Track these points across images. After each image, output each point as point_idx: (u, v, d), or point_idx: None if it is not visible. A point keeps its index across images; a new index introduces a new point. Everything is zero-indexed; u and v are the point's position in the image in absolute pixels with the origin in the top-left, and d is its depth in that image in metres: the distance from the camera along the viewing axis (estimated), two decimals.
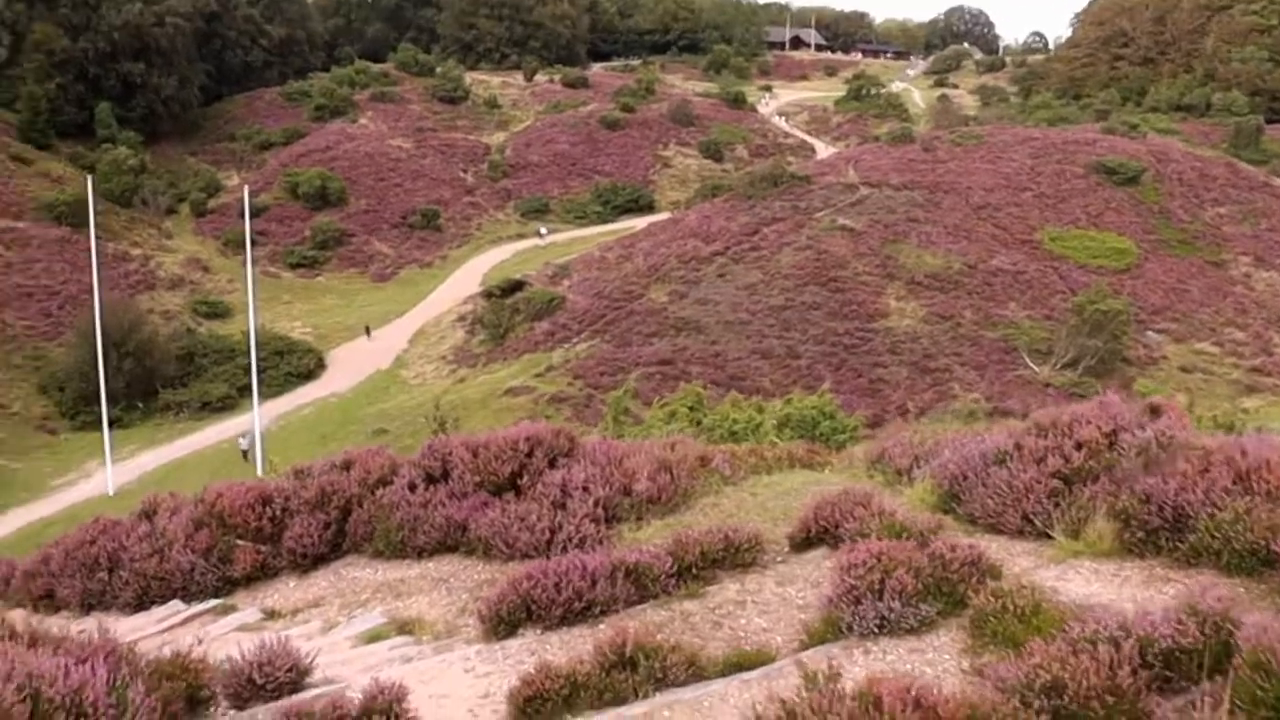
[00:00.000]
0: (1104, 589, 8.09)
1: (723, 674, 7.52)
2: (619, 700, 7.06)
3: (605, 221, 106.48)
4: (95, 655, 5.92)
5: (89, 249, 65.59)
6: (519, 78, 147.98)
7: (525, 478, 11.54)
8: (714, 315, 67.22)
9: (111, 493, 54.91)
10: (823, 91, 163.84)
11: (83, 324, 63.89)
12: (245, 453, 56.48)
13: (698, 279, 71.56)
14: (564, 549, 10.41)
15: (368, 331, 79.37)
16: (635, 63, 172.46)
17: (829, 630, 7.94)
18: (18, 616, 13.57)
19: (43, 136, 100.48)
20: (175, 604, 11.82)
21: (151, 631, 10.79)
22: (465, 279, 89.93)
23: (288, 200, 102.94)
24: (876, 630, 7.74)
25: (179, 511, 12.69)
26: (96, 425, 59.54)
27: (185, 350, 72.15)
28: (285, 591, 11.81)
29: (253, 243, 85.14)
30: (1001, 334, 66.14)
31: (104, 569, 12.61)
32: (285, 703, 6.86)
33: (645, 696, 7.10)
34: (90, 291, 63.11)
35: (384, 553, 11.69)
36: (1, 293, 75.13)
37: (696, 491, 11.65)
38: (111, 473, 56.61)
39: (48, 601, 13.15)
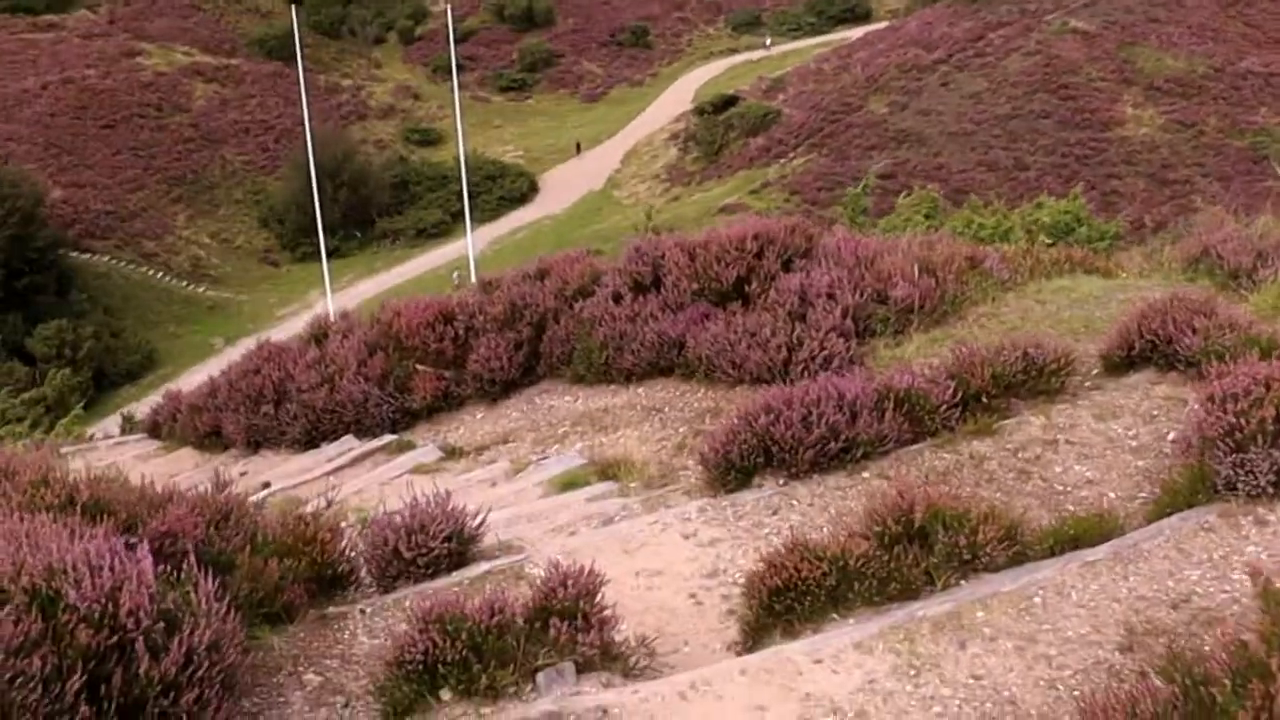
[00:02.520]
0: None
1: (1051, 552, 5.23)
2: (909, 592, 4.88)
3: (820, 33, 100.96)
4: (155, 536, 4.08)
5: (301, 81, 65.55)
6: None
7: (754, 283, 9.30)
8: (936, 126, 64.26)
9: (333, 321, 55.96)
10: None
11: (297, 157, 64.30)
12: (457, 287, 56.28)
13: (919, 89, 68.22)
14: (805, 370, 8.23)
15: (578, 148, 78.39)
16: None
17: (1195, 487, 5.51)
18: (185, 455, 12.40)
19: None
20: (348, 440, 10.23)
21: (318, 473, 9.25)
22: (677, 96, 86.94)
23: (494, 23, 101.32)
24: (1273, 490, 5.29)
25: (351, 334, 11.01)
26: (316, 256, 60.29)
27: (399, 178, 72.44)
28: (471, 424, 10.07)
29: (460, 67, 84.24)
30: (1250, 142, 61.46)
31: (270, 401, 11.11)
32: (437, 584, 4.96)
33: (947, 587, 4.87)
34: (303, 124, 63.22)
35: (585, 377, 9.75)
36: (219, 129, 76.39)
37: (967, 298, 9.20)
38: (332, 302, 57.45)
39: (214, 438, 11.83)
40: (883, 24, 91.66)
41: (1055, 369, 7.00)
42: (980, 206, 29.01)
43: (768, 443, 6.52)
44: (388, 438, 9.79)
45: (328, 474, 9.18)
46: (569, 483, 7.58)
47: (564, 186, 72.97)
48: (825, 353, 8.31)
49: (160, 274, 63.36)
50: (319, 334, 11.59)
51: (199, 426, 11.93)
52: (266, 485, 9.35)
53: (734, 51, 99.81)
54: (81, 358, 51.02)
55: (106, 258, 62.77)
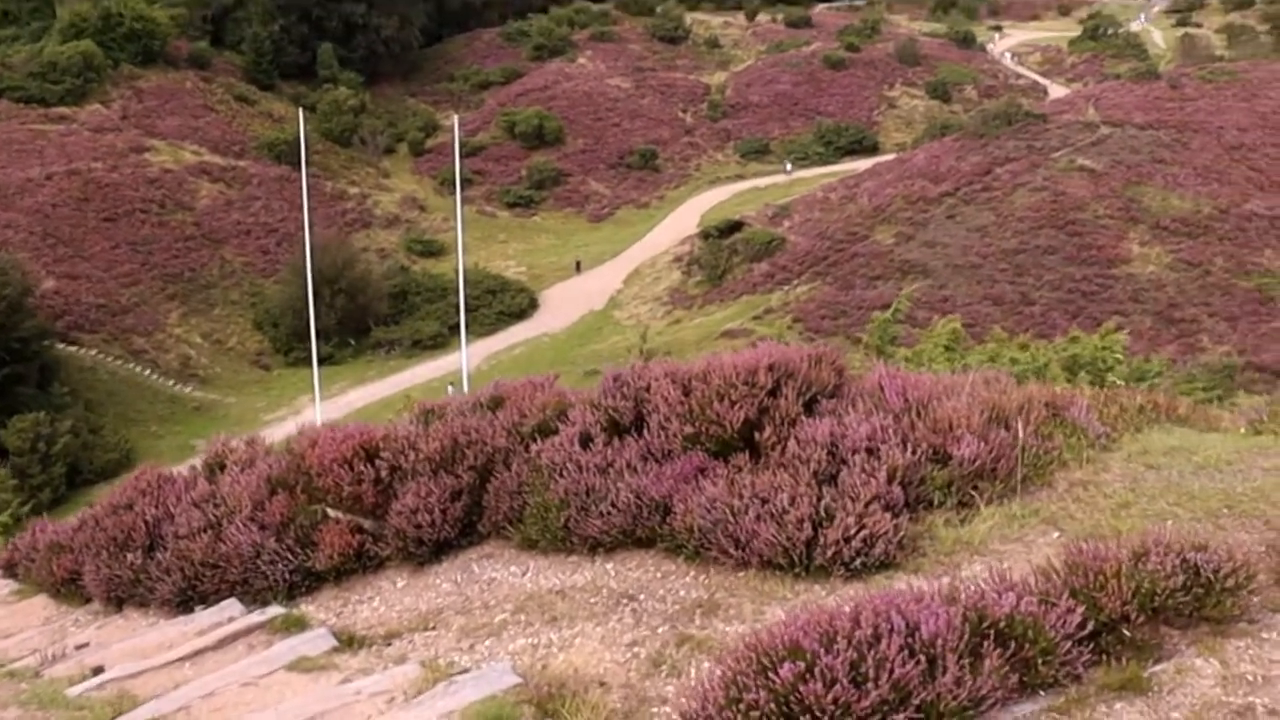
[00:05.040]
0: None
1: None
2: None
3: (827, 163, 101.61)
4: None
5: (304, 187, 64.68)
6: (740, 17, 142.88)
7: (768, 430, 6.97)
8: (942, 258, 63.78)
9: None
10: (1056, 31, 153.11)
11: (296, 261, 63.07)
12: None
13: (925, 220, 67.87)
14: (837, 557, 5.92)
15: (578, 267, 77.75)
16: (860, 2, 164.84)
17: None
18: (36, 606, 10.01)
19: (266, 77, 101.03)
20: (229, 606, 7.84)
21: (170, 658, 6.84)
22: (682, 219, 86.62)
23: (505, 139, 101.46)
24: None
25: (254, 466, 8.68)
26: (309, 361, 59.07)
27: (398, 288, 71.43)
28: (388, 595, 7.68)
29: (469, 182, 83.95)
30: (1256, 283, 60.86)
31: (139, 547, 8.71)
32: None
33: None
34: (304, 229, 62.17)
35: (538, 542, 7.36)
36: (221, 229, 75.35)
37: (1052, 459, 6.88)
38: (321, 410, 56.12)
39: (72, 587, 9.42)
40: (890, 156, 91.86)
41: (1232, 584, 4.65)
42: (1005, 339, 26.82)
43: (793, 708, 4.12)
44: (273, 611, 7.38)
45: (181, 660, 6.79)
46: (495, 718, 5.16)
47: (565, 304, 72.07)
48: (865, 532, 5.98)
49: (148, 371, 61.88)
50: (216, 463, 9.27)
51: (56, 571, 9.54)
52: (99, 670, 6.98)
53: (741, 178, 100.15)
54: (56, 452, 49.71)
55: (94, 351, 61.35)
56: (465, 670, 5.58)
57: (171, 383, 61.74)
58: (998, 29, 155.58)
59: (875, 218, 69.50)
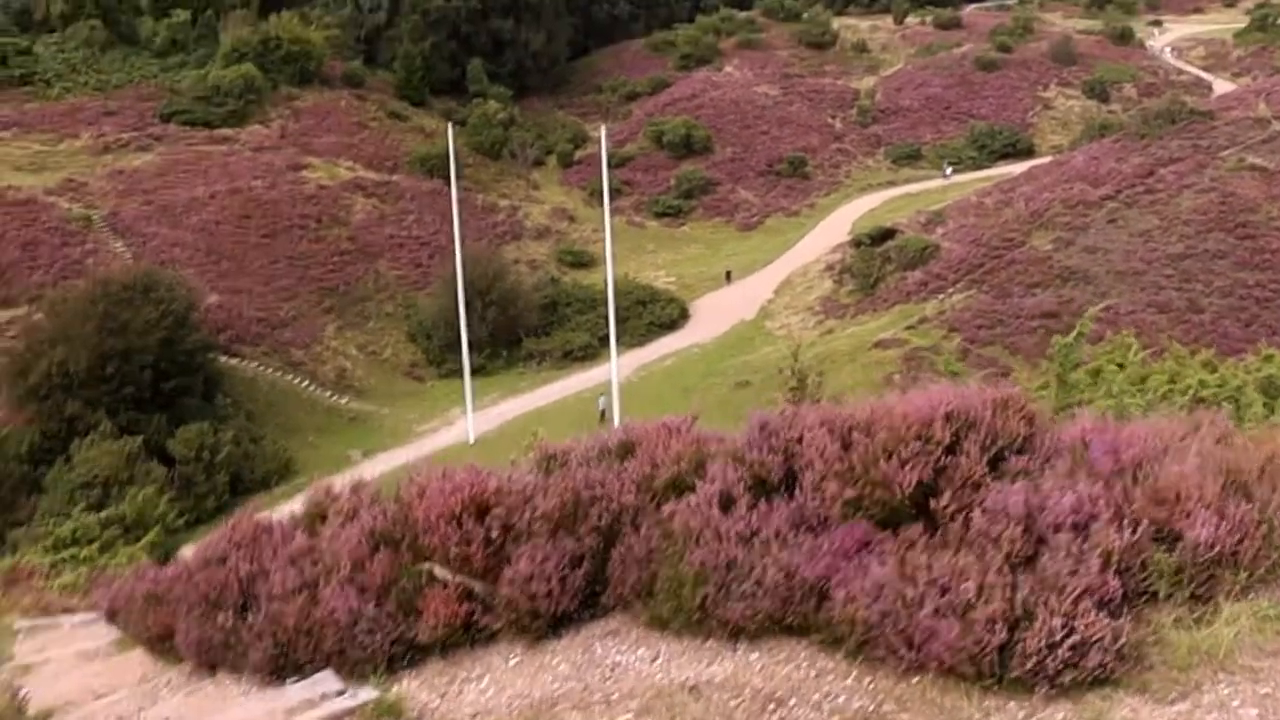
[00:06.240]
0: None
1: None
2: None
3: (980, 167, 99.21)
4: None
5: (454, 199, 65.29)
6: (888, 21, 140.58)
7: (946, 495, 5.74)
8: (1103, 264, 61.14)
9: (472, 440, 55.15)
10: (1220, 24, 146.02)
11: (448, 273, 63.74)
12: (603, 413, 54.55)
13: (1085, 225, 65.27)
14: (1039, 669, 4.69)
15: (728, 277, 77.04)
16: (1011, 1, 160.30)
17: None
18: (133, 663, 9.34)
19: (418, 94, 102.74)
20: (323, 679, 6.95)
21: None
22: (833, 227, 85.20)
23: (653, 150, 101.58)
24: None
25: (357, 518, 7.80)
26: (461, 373, 59.76)
27: (548, 299, 71.79)
28: (498, 673, 6.69)
29: (618, 192, 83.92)
30: None
31: (230, 606, 7.92)
32: None
33: None
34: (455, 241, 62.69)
35: (670, 622, 6.27)
36: (376, 244, 76.68)
37: None
38: (472, 421, 56.80)
39: (168, 644, 8.69)
40: (1046, 159, 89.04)
41: None
42: (1184, 356, 24.60)
43: None
44: (365, 695, 6.44)
45: None
46: None
47: (715, 315, 71.30)
48: (1075, 637, 4.74)
49: (305, 383, 63.29)
50: (316, 513, 8.43)
51: (151, 626, 8.85)
52: None
53: (892, 184, 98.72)
54: (220, 462, 51.05)
55: (254, 364, 62.95)
56: None
57: (328, 394, 63.00)
58: (1157, 24, 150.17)
59: (1032, 223, 67.36)
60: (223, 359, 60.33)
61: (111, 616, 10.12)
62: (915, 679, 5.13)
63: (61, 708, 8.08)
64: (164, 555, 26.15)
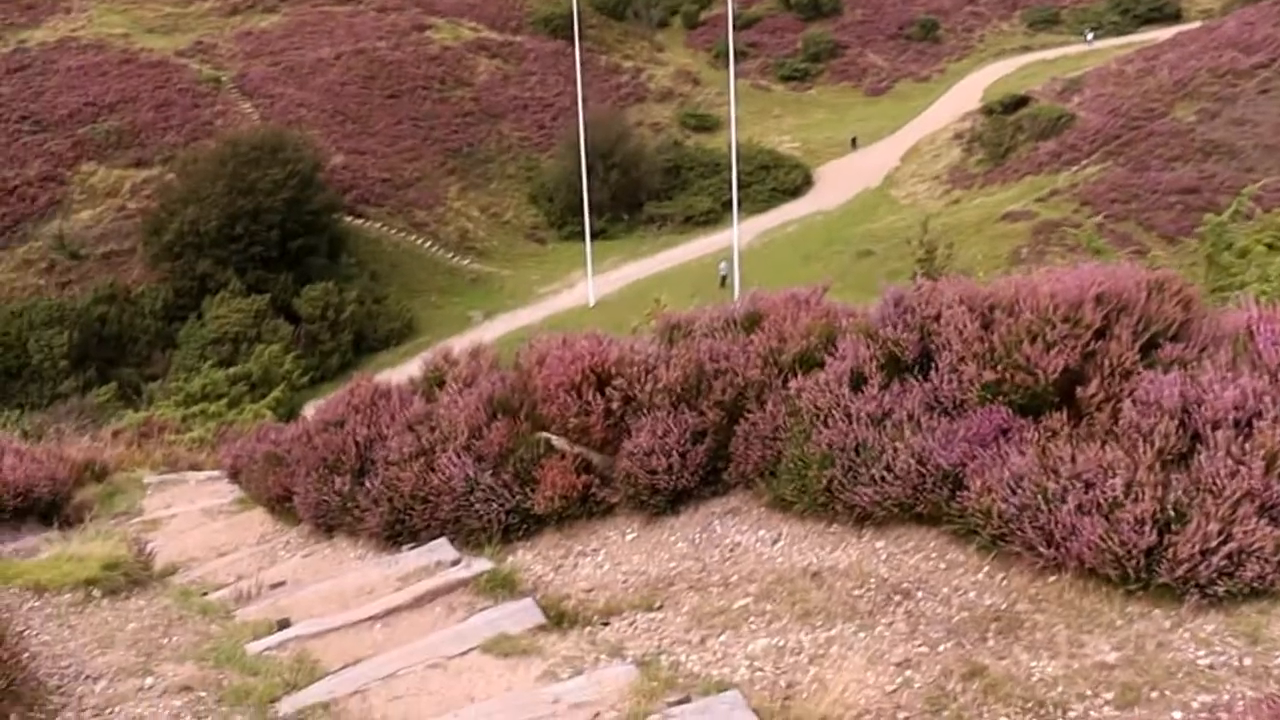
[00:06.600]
0: None
1: None
2: None
3: (1123, 33, 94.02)
4: None
5: (577, 61, 64.40)
6: None
7: (1094, 383, 5.36)
8: (1251, 138, 57.60)
9: (592, 303, 55.30)
10: None
11: (571, 136, 63.26)
12: (724, 278, 54.17)
13: (1233, 96, 61.69)
14: (1190, 575, 4.37)
15: (854, 143, 75.36)
16: None
17: None
18: (254, 521, 9.50)
19: None
20: (439, 548, 6.93)
21: (359, 617, 5.99)
22: (964, 94, 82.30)
23: (779, 11, 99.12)
24: None
25: (474, 385, 7.69)
26: (582, 236, 59.69)
27: (672, 163, 71.16)
28: (614, 548, 6.59)
29: (743, 55, 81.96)
30: None
31: (347, 471, 7.93)
32: None
33: None
34: (578, 103, 62.02)
35: (793, 504, 6.07)
36: (499, 105, 76.41)
37: None
38: (592, 284, 56.81)
39: (287, 505, 8.80)
40: (1195, 24, 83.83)
41: None
42: None
43: None
44: (480, 565, 6.38)
45: (373, 619, 5.92)
46: None
47: (840, 181, 69.84)
48: (1232, 545, 4.40)
49: (428, 244, 63.98)
50: (435, 378, 8.35)
51: (271, 486, 8.95)
52: (284, 624, 6.23)
53: (1028, 49, 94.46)
54: (344, 320, 52.50)
55: (378, 224, 63.82)
56: (685, 700, 4.40)
57: (451, 255, 63.65)
58: None
59: (1176, 93, 64.02)
60: (348, 219, 61.28)
61: (234, 475, 10.32)
62: (1052, 578, 4.84)
63: (185, 563, 8.30)
64: (288, 412, 27.03)
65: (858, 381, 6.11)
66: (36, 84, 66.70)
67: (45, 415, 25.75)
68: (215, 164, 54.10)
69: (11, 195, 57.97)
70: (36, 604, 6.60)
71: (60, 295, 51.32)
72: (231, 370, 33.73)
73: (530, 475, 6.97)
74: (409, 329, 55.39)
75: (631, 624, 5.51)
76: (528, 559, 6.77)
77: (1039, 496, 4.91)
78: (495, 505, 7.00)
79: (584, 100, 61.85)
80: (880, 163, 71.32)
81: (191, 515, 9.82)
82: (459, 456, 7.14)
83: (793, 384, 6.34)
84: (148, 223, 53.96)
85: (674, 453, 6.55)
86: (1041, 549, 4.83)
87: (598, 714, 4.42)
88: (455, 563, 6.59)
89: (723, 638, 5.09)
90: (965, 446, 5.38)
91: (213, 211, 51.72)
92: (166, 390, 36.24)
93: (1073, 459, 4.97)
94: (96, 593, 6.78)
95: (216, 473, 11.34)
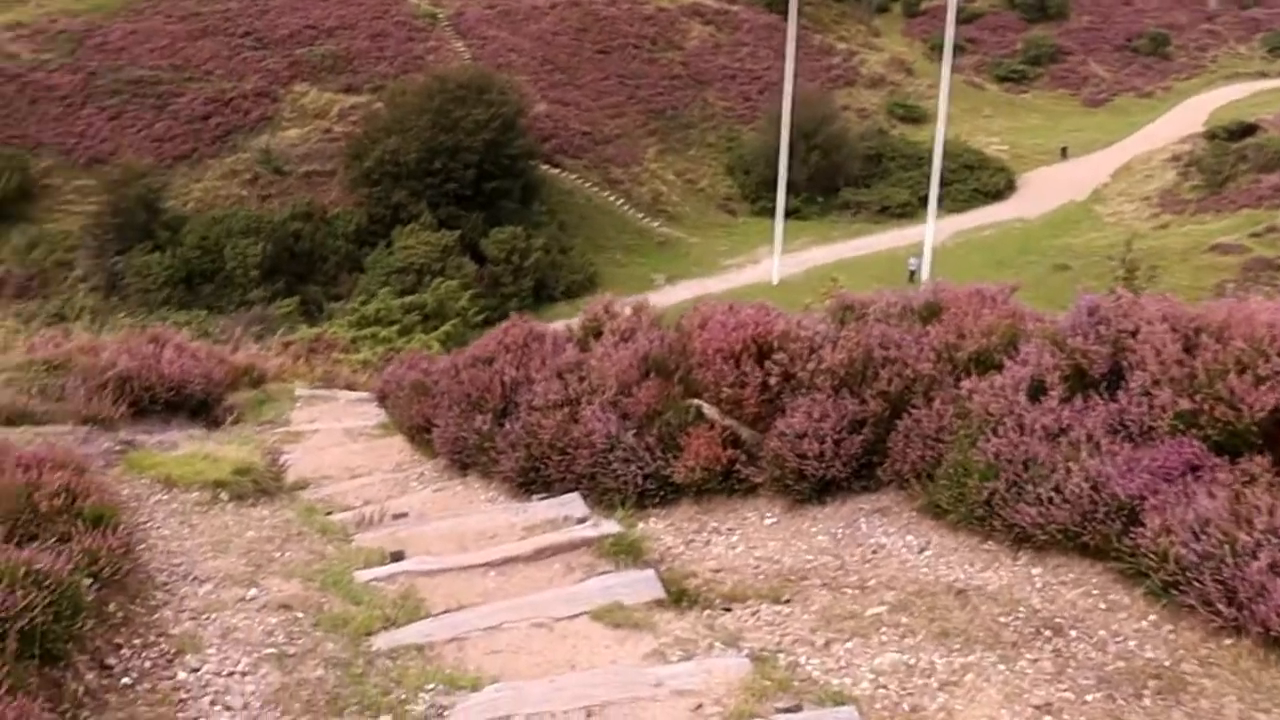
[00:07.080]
0: None
1: None
2: None
3: None
4: None
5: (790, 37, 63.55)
6: None
7: None
8: None
9: (775, 281, 54.55)
10: None
11: (775, 111, 62.45)
12: (913, 274, 52.99)
13: None
14: None
15: (1064, 153, 72.88)
16: None
17: None
18: (394, 448, 9.44)
19: None
20: (570, 502, 6.69)
21: (475, 561, 5.81)
22: (1187, 115, 78.50)
23: (1003, 8, 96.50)
24: None
25: (631, 340, 7.43)
26: (774, 212, 59.09)
27: (874, 151, 70.02)
28: (751, 530, 6.25)
29: (960, 50, 79.72)
30: None
31: (489, 410, 7.74)
32: None
33: None
34: (786, 79, 61.23)
35: (948, 512, 5.63)
36: (707, 71, 76.11)
37: None
38: (778, 262, 56.14)
39: (426, 436, 8.69)
40: None
41: None
42: None
43: None
44: (608, 527, 6.12)
45: (487, 566, 5.72)
46: None
47: (1044, 191, 67.58)
48: None
49: (620, 201, 64.29)
50: (592, 328, 8.12)
51: (413, 415, 8.88)
52: (398, 557, 6.09)
53: (1264, 75, 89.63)
54: (528, 266, 53.18)
55: (574, 176, 64.38)
56: (796, 708, 4.05)
57: (641, 215, 63.80)
58: None
59: None
60: (544, 167, 61.90)
61: (382, 399, 10.34)
62: (1228, 640, 4.31)
63: (316, 480, 8.29)
64: (458, 347, 27.37)
65: (1036, 391, 5.62)
66: (262, 2, 69.23)
67: (229, 320, 26.69)
68: (422, 97, 55.23)
69: (227, 106, 60.38)
70: (164, 497, 6.66)
71: (260, 208, 53.31)
72: (407, 299, 34.44)
73: (675, 441, 6.69)
74: (590, 283, 55.63)
75: (755, 614, 5.18)
76: (659, 528, 6.50)
77: (1226, 547, 4.38)
78: (634, 467, 6.74)
79: (794, 77, 61.00)
80: (1089, 176, 68.79)
81: (334, 433, 9.88)
82: (604, 411, 6.90)
83: (965, 384, 5.90)
84: (350, 147, 55.50)
85: (828, 439, 6.17)
86: (1220, 606, 4.30)
87: (700, 705, 4.12)
88: (583, 520, 6.36)
89: (849, 644, 4.72)
90: (1148, 478, 4.86)
91: (414, 144, 52.85)
92: (345, 311, 37.29)
93: (1270, 510, 4.42)
94: (224, 495, 6.82)
95: (367, 394, 11.43)
